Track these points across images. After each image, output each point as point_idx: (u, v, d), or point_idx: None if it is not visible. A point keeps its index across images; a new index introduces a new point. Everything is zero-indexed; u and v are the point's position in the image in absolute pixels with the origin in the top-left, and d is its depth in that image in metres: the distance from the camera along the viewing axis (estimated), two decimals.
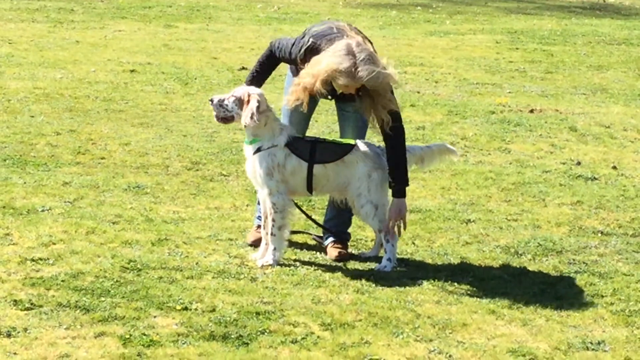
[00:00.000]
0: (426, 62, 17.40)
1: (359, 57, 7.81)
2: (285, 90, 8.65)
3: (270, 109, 8.18)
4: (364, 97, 8.02)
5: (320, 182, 8.23)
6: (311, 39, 8.11)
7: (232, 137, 11.35)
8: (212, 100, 8.28)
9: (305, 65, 8.05)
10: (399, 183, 8.22)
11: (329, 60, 7.80)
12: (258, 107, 8.04)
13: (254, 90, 8.18)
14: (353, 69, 7.79)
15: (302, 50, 8.11)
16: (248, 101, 8.08)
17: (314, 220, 8.69)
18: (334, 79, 7.82)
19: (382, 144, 8.27)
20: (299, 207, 8.64)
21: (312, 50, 8.06)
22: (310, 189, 8.23)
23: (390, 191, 8.25)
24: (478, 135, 12.61)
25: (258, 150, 8.15)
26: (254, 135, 8.15)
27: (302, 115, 8.47)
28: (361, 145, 8.22)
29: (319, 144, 8.22)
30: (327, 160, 8.17)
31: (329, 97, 8.29)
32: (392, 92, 8.09)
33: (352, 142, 8.25)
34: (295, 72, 8.43)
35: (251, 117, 8.01)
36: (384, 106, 8.01)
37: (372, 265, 8.33)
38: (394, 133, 8.11)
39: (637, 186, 10.73)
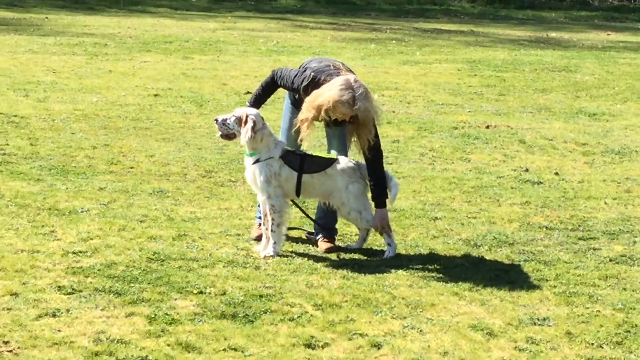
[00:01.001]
0: (400, 87, 17.41)
1: (357, 91, 7.90)
2: (284, 113, 8.68)
3: (266, 127, 8.19)
4: (352, 124, 8.06)
5: (307, 189, 8.27)
6: (312, 73, 8.15)
7: (239, 150, 11.30)
8: (216, 120, 8.34)
9: (306, 96, 8.10)
10: (379, 197, 8.29)
11: (331, 93, 7.87)
12: (253, 127, 8.07)
13: (250, 111, 8.21)
14: (352, 101, 7.86)
15: (305, 82, 8.14)
16: (246, 121, 8.10)
17: (309, 217, 8.70)
18: (335, 108, 7.86)
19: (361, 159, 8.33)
20: (298, 206, 8.68)
21: (313, 83, 8.12)
22: (298, 193, 8.27)
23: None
24: (443, 147, 12.62)
25: (257, 161, 8.17)
26: (253, 149, 8.18)
27: (297, 134, 8.52)
28: (341, 160, 8.26)
29: (307, 158, 8.25)
30: (313, 171, 8.21)
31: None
32: (375, 122, 8.16)
33: (334, 157, 8.29)
34: (293, 98, 8.45)
35: (248, 137, 8.07)
36: (369, 132, 8.10)
37: (356, 255, 8.33)
38: (373, 155, 8.22)
39: (576, 189, 10.75)
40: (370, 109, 8.02)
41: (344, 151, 8.53)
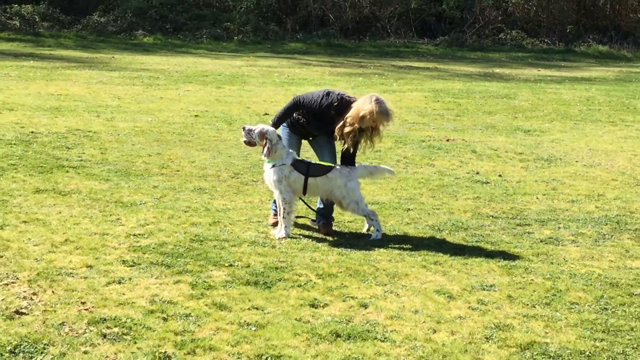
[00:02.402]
0: None
1: (386, 104, 8.05)
2: (283, 136, 8.59)
3: (279, 142, 8.19)
4: (372, 129, 8.14)
5: (312, 189, 8.26)
6: (337, 96, 8.22)
7: (259, 158, 11.32)
8: (244, 128, 8.33)
9: (336, 114, 8.15)
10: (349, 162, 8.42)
11: (371, 106, 7.99)
12: (270, 148, 8.08)
13: (269, 130, 8.19)
14: (386, 111, 8.03)
15: (335, 102, 8.19)
16: (266, 142, 8.11)
17: (312, 209, 8.70)
18: (373, 117, 7.98)
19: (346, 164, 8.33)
20: (304, 201, 8.67)
21: (343, 102, 8.19)
22: (305, 192, 8.27)
23: (361, 187, 8.33)
24: (414, 156, 12.62)
25: (273, 166, 8.19)
26: (274, 158, 8.18)
27: (296, 146, 8.53)
28: (338, 167, 8.26)
29: (311, 165, 8.25)
30: (316, 175, 8.21)
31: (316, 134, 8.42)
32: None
33: (332, 165, 8.29)
34: (291, 124, 8.43)
35: (268, 154, 8.10)
36: (378, 134, 8.22)
37: (349, 237, 8.32)
38: (353, 152, 8.30)
39: (515, 187, 10.75)
40: (393, 117, 8.20)
41: (334, 159, 8.55)
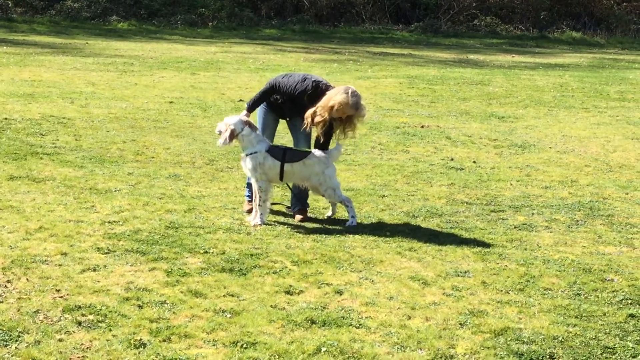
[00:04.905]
0: None
1: (358, 97, 8.01)
2: (259, 115, 8.62)
3: (245, 129, 8.16)
4: (345, 121, 8.12)
5: (288, 175, 8.24)
6: (314, 82, 8.21)
7: (234, 144, 11.31)
8: (219, 131, 8.34)
9: (309, 101, 8.12)
10: (323, 146, 8.36)
11: (341, 97, 7.94)
12: (230, 136, 8.13)
13: (229, 120, 8.21)
14: (356, 105, 7.97)
15: (309, 90, 8.17)
16: (230, 128, 8.16)
17: (291, 191, 8.68)
18: (343, 108, 7.94)
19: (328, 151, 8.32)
20: (288, 185, 8.65)
21: (318, 90, 8.16)
22: (281, 178, 8.24)
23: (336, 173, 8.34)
24: (389, 142, 12.63)
25: (247, 154, 8.19)
26: (244, 146, 8.20)
27: (270, 131, 8.55)
28: (315, 152, 8.25)
29: (288, 151, 8.24)
30: (293, 161, 8.19)
31: (288, 118, 8.44)
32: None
33: (309, 151, 8.28)
34: (270, 102, 8.40)
35: (221, 143, 8.18)
36: (354, 127, 8.22)
37: (324, 224, 8.33)
38: (325, 142, 8.27)
39: (489, 173, 10.79)
40: (365, 112, 8.19)
41: (308, 144, 8.56)
